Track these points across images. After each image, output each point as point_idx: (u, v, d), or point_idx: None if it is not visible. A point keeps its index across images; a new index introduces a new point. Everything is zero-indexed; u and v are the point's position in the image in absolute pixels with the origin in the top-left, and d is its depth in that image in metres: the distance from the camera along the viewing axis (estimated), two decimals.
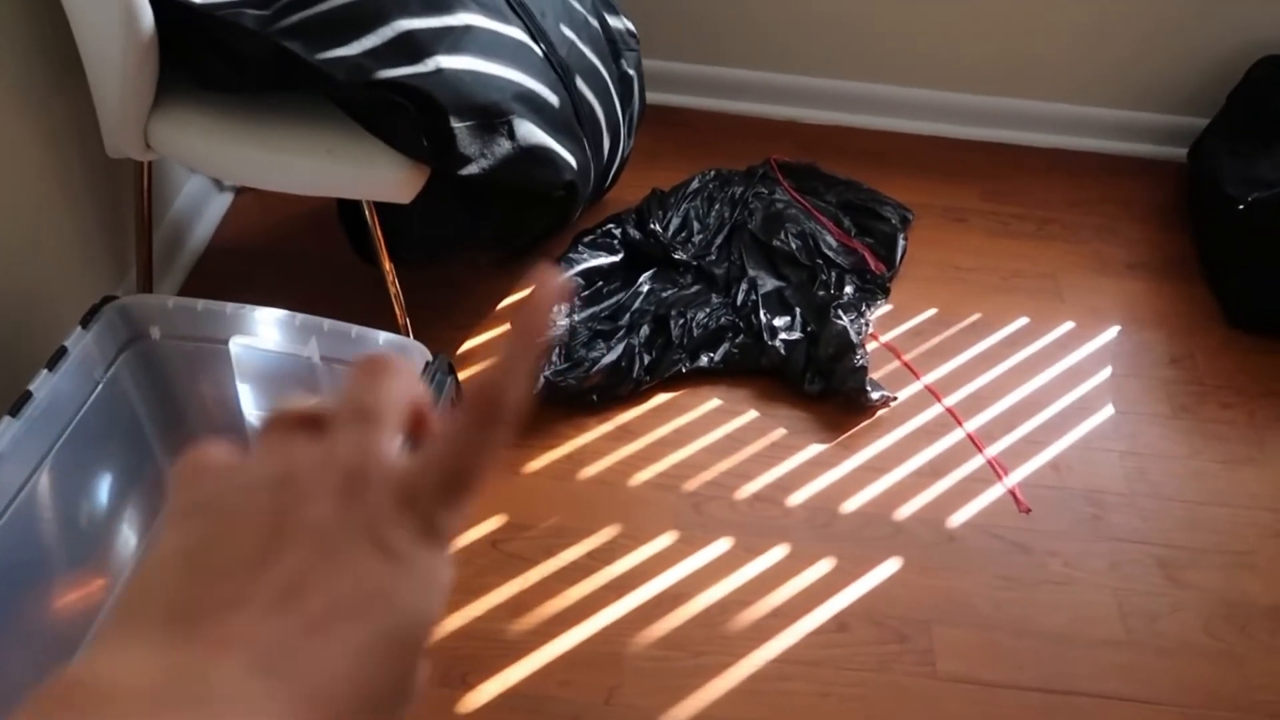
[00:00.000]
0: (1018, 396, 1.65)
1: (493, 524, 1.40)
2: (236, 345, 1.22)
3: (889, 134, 2.16)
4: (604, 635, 1.30)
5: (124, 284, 1.54)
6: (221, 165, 1.32)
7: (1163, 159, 2.15)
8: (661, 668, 1.27)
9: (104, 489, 1.23)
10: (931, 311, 1.79)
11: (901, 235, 1.87)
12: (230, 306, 1.21)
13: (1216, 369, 1.73)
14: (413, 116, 1.21)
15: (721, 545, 1.41)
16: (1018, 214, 2.00)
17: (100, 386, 1.19)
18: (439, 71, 1.23)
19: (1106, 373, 1.71)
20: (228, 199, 1.85)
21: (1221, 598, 1.40)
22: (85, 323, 1.16)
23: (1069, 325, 1.78)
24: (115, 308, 1.19)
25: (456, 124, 1.24)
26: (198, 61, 1.23)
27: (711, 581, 1.36)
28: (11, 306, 1.27)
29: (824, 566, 1.39)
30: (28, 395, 1.07)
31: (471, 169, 1.28)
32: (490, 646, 1.27)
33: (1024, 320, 1.78)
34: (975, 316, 1.79)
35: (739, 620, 1.33)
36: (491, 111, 1.28)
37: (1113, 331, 1.78)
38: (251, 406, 1.28)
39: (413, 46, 1.23)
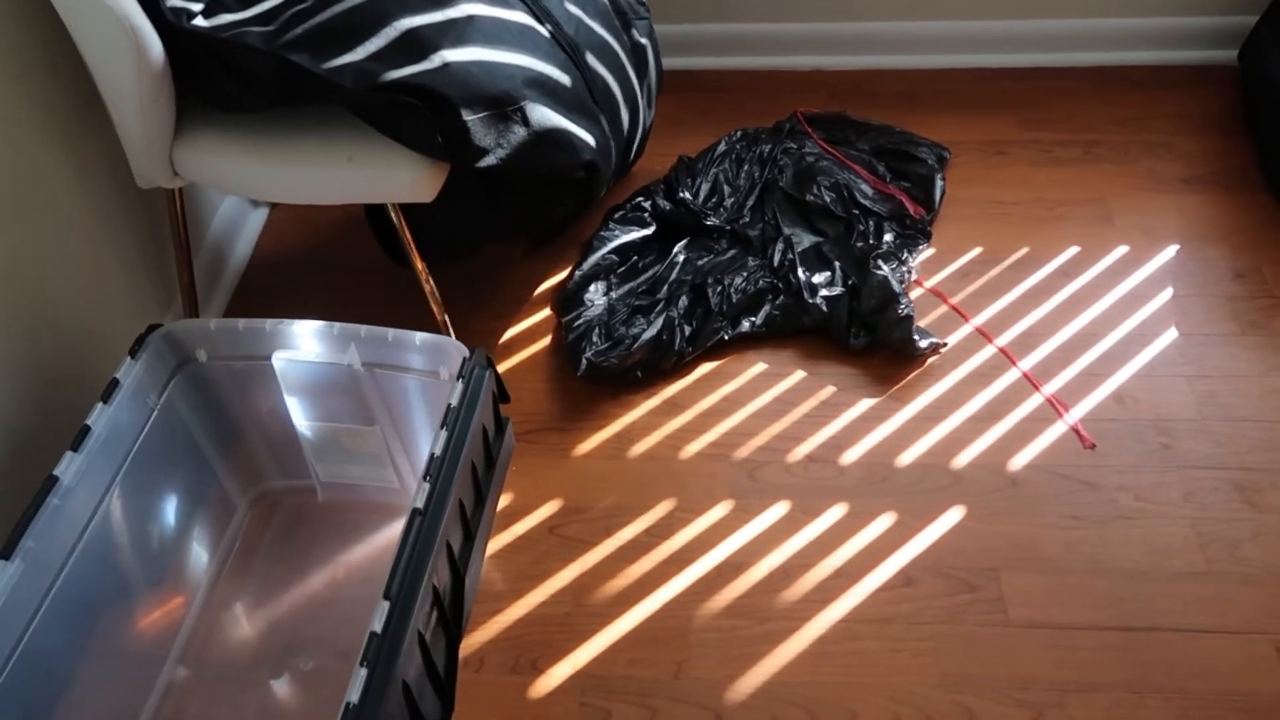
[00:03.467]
0: (1073, 329, 1.60)
1: (549, 509, 1.41)
2: (280, 360, 1.24)
3: (918, 72, 2.09)
4: (668, 610, 1.30)
5: (172, 310, 1.59)
6: (247, 184, 1.35)
7: (1214, 64, 2.05)
8: (728, 638, 1.27)
9: (171, 510, 1.27)
10: (976, 251, 1.74)
11: (939, 175, 1.81)
12: (270, 323, 1.23)
13: None
14: (424, 115, 1.21)
15: (778, 510, 1.40)
16: (1061, 140, 1.93)
17: (155, 413, 1.22)
18: (445, 66, 1.23)
19: (1167, 295, 1.64)
20: (263, 214, 1.88)
21: None
22: (133, 353, 1.19)
23: (1123, 250, 1.72)
24: (161, 335, 1.22)
25: (469, 117, 1.24)
26: (211, 86, 1.25)
27: (771, 547, 1.36)
28: (66, 345, 1.32)
29: (884, 522, 1.37)
30: (86, 429, 1.11)
31: (489, 160, 1.27)
32: (557, 631, 1.29)
33: (1074, 250, 1.72)
34: (1023, 251, 1.73)
35: (802, 583, 1.32)
36: (503, 100, 1.27)
37: (1171, 251, 1.71)
38: (301, 417, 1.30)
39: (417, 44, 1.23)
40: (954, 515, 1.38)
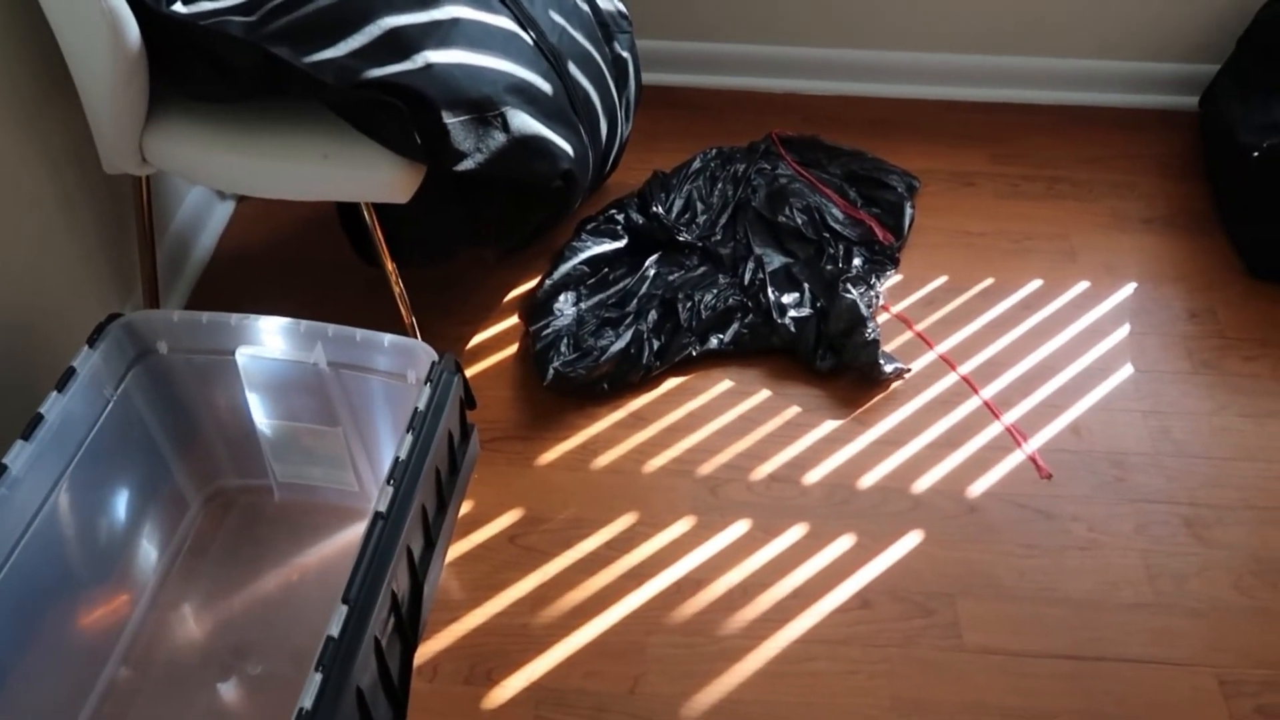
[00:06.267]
0: (1034, 360, 1.63)
1: (509, 519, 1.40)
2: (243, 355, 1.22)
3: (891, 101, 2.13)
4: (626, 624, 1.29)
5: (132, 300, 1.55)
6: (218, 175, 1.32)
7: (1176, 109, 2.11)
8: (685, 654, 1.27)
9: (122, 505, 1.24)
10: (942, 279, 1.76)
11: (909, 203, 1.84)
12: (235, 317, 1.21)
13: (1238, 321, 1.70)
14: (404, 115, 1.20)
15: (740, 528, 1.40)
16: (1027, 175, 1.97)
17: (111, 404, 1.19)
18: (429, 67, 1.22)
19: (1125, 331, 1.68)
20: (230, 207, 1.85)
21: (1251, 554, 1.38)
22: (92, 342, 1.16)
23: (1084, 285, 1.75)
24: (121, 325, 1.20)
25: (449, 120, 1.23)
26: (187, 73, 1.23)
27: (731, 565, 1.36)
28: (20, 330, 1.28)
29: (844, 544, 1.38)
30: (39, 418, 1.08)
31: (467, 164, 1.27)
32: (513, 642, 1.27)
33: (1038, 283, 1.76)
34: (988, 282, 1.76)
35: (761, 602, 1.32)
36: (484, 105, 1.27)
37: (1129, 289, 1.75)
38: (262, 415, 1.28)
39: (400, 43, 1.22)
40: (912, 539, 1.39)
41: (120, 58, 1.16)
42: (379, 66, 1.19)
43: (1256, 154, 1.71)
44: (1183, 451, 1.50)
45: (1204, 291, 1.75)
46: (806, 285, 1.67)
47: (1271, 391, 1.59)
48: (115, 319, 1.19)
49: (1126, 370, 1.62)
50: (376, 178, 1.26)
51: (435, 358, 1.15)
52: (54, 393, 1.10)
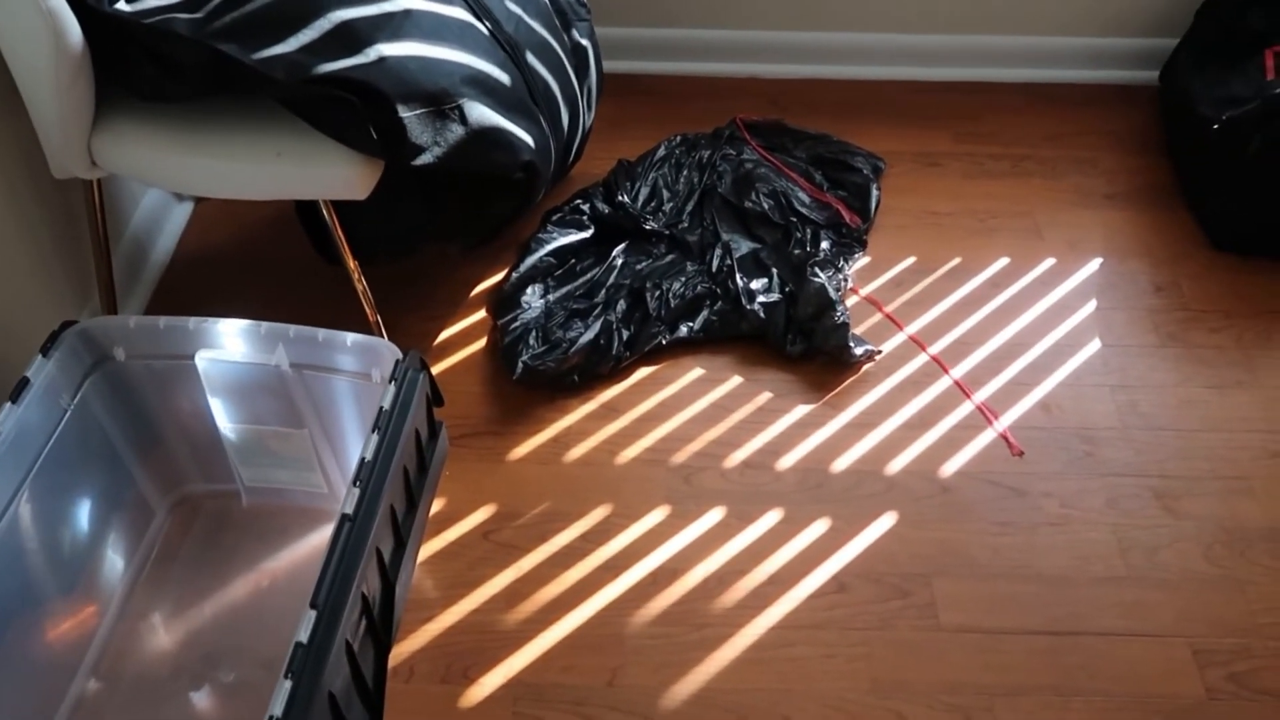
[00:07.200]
0: (1003, 339, 1.63)
1: (482, 515, 1.39)
2: (203, 359, 1.20)
3: (856, 83, 2.12)
4: (603, 617, 1.29)
5: (89, 307, 1.52)
6: (170, 177, 1.30)
7: (1136, 84, 2.12)
8: (663, 644, 1.26)
9: (85, 515, 1.22)
10: (910, 260, 1.76)
11: (874, 185, 1.84)
12: (193, 321, 1.19)
13: (1202, 294, 1.71)
14: (359, 110, 1.18)
15: (714, 516, 1.39)
16: (992, 154, 1.97)
17: (69, 413, 1.17)
18: (382, 60, 1.20)
19: (1091, 307, 1.69)
20: (187, 209, 1.82)
21: (1219, 524, 1.39)
22: (45, 350, 1.14)
23: (1050, 262, 1.76)
24: (76, 332, 1.17)
25: (405, 113, 1.21)
26: (134, 73, 1.20)
27: (707, 553, 1.35)
28: None
29: (819, 528, 1.38)
30: None
31: (425, 158, 1.25)
32: (489, 638, 1.26)
33: (1004, 261, 1.76)
34: (955, 261, 1.76)
35: (737, 590, 1.32)
36: (440, 97, 1.25)
37: (1095, 265, 1.76)
38: (225, 419, 1.26)
39: (351, 37, 1.20)
40: (887, 521, 1.39)
41: (63, 59, 1.13)
42: (330, 61, 1.17)
43: (1216, 126, 1.72)
44: (1150, 425, 1.52)
45: (1168, 265, 1.76)
46: (775, 270, 1.67)
47: (1236, 362, 1.60)
48: (69, 326, 1.17)
49: (1094, 345, 1.62)
50: (333, 174, 1.24)
51: (399, 355, 1.14)
52: (8, 403, 1.08)
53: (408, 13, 1.25)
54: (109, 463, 1.26)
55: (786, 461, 1.46)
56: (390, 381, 1.12)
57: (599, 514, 1.40)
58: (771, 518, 1.39)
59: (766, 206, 1.77)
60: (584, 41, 1.63)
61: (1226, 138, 1.71)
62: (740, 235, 1.75)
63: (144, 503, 1.33)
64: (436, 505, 1.40)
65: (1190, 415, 1.53)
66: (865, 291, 1.71)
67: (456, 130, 1.27)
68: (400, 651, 1.25)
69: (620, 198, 1.76)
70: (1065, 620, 1.29)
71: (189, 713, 1.19)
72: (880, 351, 1.60)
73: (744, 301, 1.61)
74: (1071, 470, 1.45)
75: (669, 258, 1.71)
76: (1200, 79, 1.83)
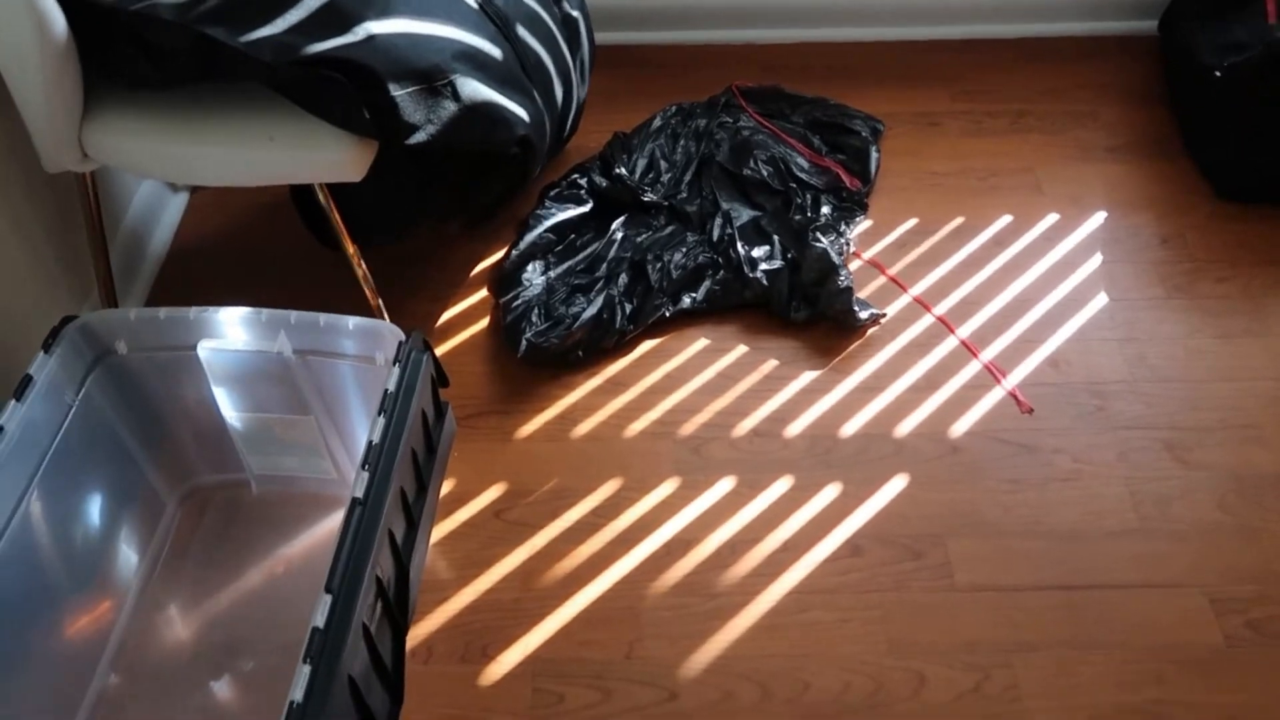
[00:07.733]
0: (1008, 297, 1.62)
1: (493, 494, 1.39)
2: (205, 349, 1.19)
3: (851, 45, 2.09)
4: (618, 590, 1.29)
5: (89, 301, 1.51)
6: (162, 167, 1.28)
7: (1135, 34, 2.09)
8: (679, 615, 1.26)
9: (95, 511, 1.21)
10: (912, 222, 1.75)
11: (874, 148, 1.82)
12: (194, 311, 1.18)
13: (1208, 244, 1.69)
14: (350, 90, 1.16)
15: (725, 485, 1.39)
16: (991, 111, 1.95)
17: (74, 409, 1.16)
18: (371, 39, 1.19)
19: (1096, 261, 1.67)
20: (183, 199, 1.81)
21: (1231, 473, 1.39)
22: (47, 347, 1.13)
23: (1053, 218, 1.75)
24: (76, 327, 1.16)
25: (396, 92, 1.19)
26: (121, 62, 1.19)
27: (719, 523, 1.35)
28: None
29: (830, 493, 1.38)
30: None
31: (419, 137, 1.24)
32: (506, 617, 1.27)
33: (1007, 219, 1.75)
34: (957, 221, 1.75)
35: (751, 558, 1.32)
36: (432, 74, 1.23)
37: (1099, 219, 1.74)
38: (230, 408, 1.26)
39: (339, 15, 1.18)
40: (898, 484, 1.39)
41: (49, 50, 1.11)
42: (319, 41, 1.15)
43: (1219, 74, 1.70)
44: (1159, 377, 1.51)
45: (1173, 216, 1.74)
46: (776, 237, 1.66)
47: (1242, 310, 1.59)
48: (70, 321, 1.16)
49: (1101, 300, 1.61)
50: (327, 157, 1.23)
51: (402, 337, 1.13)
52: (12, 401, 1.07)
53: None
54: (117, 457, 1.26)
55: (795, 428, 1.45)
56: (394, 364, 1.11)
57: (609, 488, 1.39)
58: (782, 485, 1.39)
59: (765, 173, 1.75)
60: (574, 13, 1.61)
61: (1229, 85, 1.69)
62: (740, 203, 1.74)
63: (154, 496, 1.33)
64: (447, 486, 1.40)
65: (1199, 366, 1.52)
66: (868, 255, 1.69)
67: (449, 107, 1.25)
68: (418, 633, 1.25)
69: (618, 170, 1.75)
70: (1080, 575, 1.29)
71: (210, 702, 1.19)
72: (885, 315, 1.59)
73: (746, 270, 1.60)
74: (1081, 425, 1.45)
75: (669, 229, 1.70)
76: (1200, 26, 1.80)
